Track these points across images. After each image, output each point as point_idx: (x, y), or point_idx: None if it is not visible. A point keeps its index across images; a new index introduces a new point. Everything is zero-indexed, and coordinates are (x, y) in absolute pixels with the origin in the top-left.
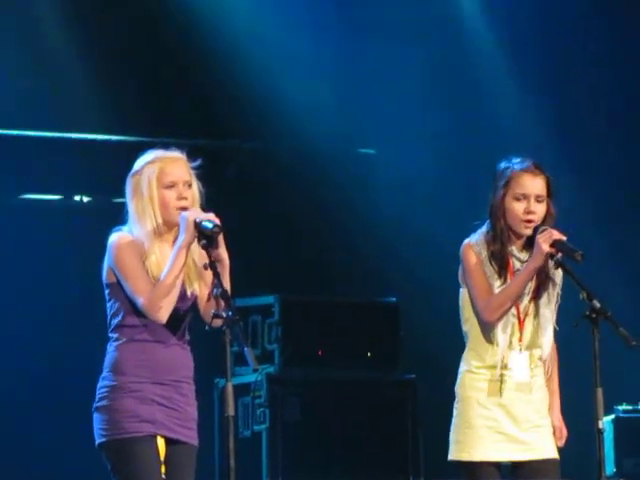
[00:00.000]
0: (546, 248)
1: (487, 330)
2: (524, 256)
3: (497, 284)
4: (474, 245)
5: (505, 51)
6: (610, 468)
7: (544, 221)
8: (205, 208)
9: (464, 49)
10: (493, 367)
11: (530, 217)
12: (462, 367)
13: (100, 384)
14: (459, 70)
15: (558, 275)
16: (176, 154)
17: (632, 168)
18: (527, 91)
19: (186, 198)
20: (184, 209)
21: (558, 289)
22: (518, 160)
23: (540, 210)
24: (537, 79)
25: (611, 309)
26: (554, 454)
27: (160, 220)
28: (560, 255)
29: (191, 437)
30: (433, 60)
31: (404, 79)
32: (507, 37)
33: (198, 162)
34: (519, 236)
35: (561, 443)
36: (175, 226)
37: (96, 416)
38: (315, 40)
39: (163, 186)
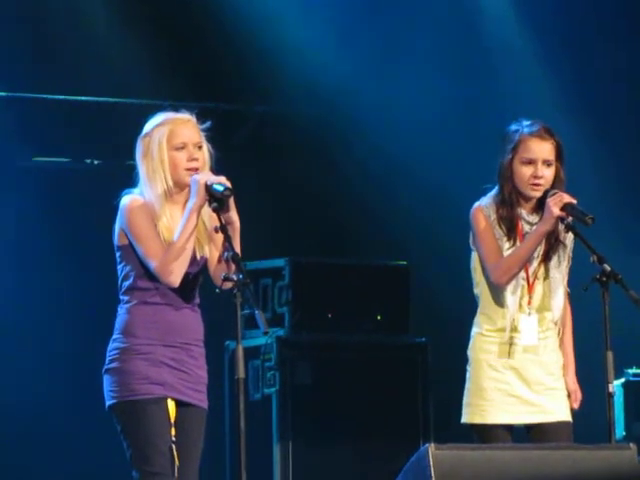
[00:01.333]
0: (556, 211)
1: (497, 293)
2: (533, 219)
3: (506, 247)
4: (484, 208)
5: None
6: (620, 432)
7: (553, 185)
8: (216, 171)
9: (477, 13)
10: (503, 330)
11: (537, 181)
12: (474, 330)
13: (110, 346)
14: (473, 37)
15: (569, 238)
16: (186, 116)
17: None
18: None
19: (197, 159)
20: (194, 170)
21: (569, 252)
22: (528, 123)
23: (548, 174)
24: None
25: (621, 272)
26: (567, 417)
27: (170, 182)
28: (570, 219)
29: (201, 400)
30: (446, 27)
31: (417, 45)
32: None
33: (208, 124)
34: (528, 199)
35: (576, 406)
36: (186, 187)
37: (106, 378)
38: (329, 3)
39: (173, 148)
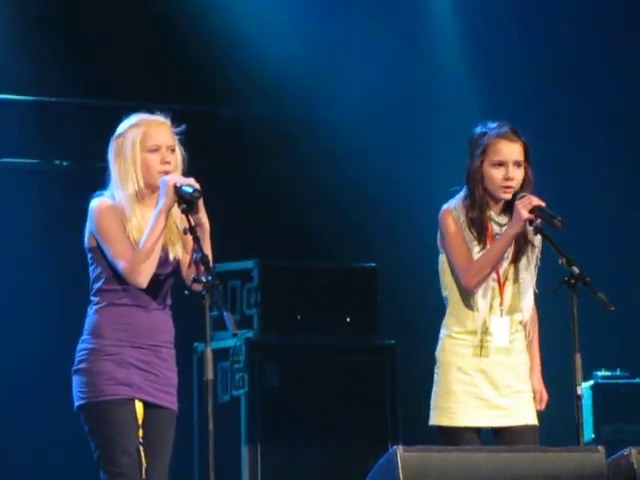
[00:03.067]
0: (525, 214)
1: (467, 295)
2: (503, 220)
3: (477, 250)
4: (452, 210)
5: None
6: (588, 434)
7: (522, 186)
8: (185, 172)
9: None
10: (473, 332)
11: (509, 183)
12: (442, 332)
13: (79, 347)
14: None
15: (537, 239)
16: (160, 118)
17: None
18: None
19: (169, 162)
20: (167, 173)
21: (537, 252)
22: (495, 125)
23: (518, 175)
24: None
25: (590, 275)
26: (533, 420)
27: (142, 183)
28: (539, 221)
29: (170, 402)
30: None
31: (377, 47)
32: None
33: (182, 127)
34: (497, 200)
35: (541, 407)
36: (157, 190)
37: (75, 379)
38: (294, 6)
39: (146, 150)
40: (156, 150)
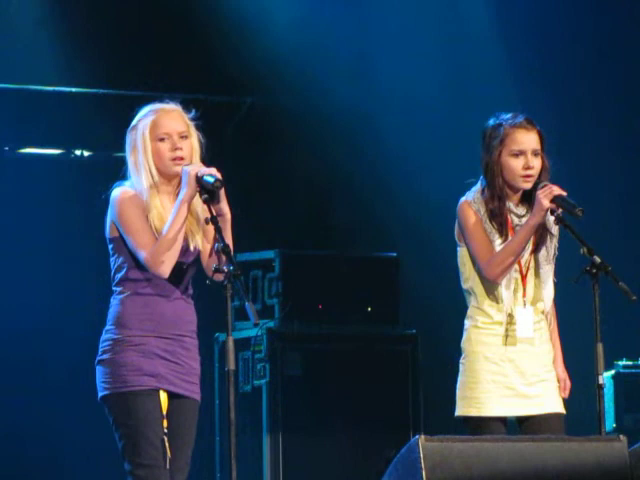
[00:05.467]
0: (547, 204)
1: (491, 287)
2: (521, 211)
3: (498, 241)
4: (472, 203)
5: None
6: (610, 423)
7: (540, 175)
8: (207, 162)
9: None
10: (499, 323)
11: (529, 172)
12: (467, 323)
13: (103, 337)
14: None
15: (555, 228)
16: (170, 106)
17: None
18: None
19: (181, 149)
20: (179, 159)
21: (555, 241)
22: (509, 116)
23: (537, 164)
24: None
25: (612, 264)
26: (559, 408)
27: (156, 173)
28: (560, 211)
29: (194, 391)
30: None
31: (403, 39)
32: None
33: (192, 113)
34: (516, 191)
35: (565, 394)
36: (173, 178)
37: (99, 369)
38: None
39: (156, 138)
40: (166, 138)
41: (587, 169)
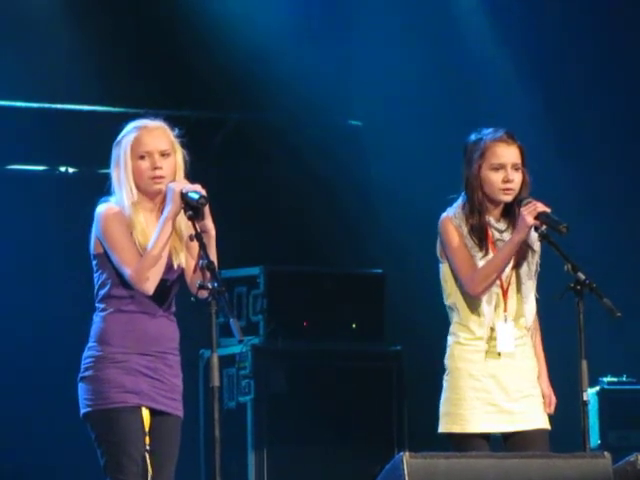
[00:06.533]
0: (530, 221)
1: (472, 303)
2: (502, 226)
3: (479, 256)
4: (453, 218)
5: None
6: (595, 440)
7: (521, 190)
8: (191, 178)
9: (454, 21)
10: (481, 338)
11: (508, 185)
12: (450, 339)
13: (85, 354)
14: (449, 41)
15: (537, 243)
16: (154, 123)
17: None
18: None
19: (160, 168)
20: (159, 179)
21: (537, 257)
22: (490, 131)
23: (517, 178)
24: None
25: (596, 281)
26: (544, 424)
27: (135, 191)
28: (544, 227)
29: (176, 408)
30: (422, 33)
31: (391, 52)
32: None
33: (177, 132)
34: (496, 205)
35: (550, 410)
36: (155, 196)
37: (81, 386)
38: (302, 10)
39: (137, 156)
40: (146, 156)
41: (575, 181)
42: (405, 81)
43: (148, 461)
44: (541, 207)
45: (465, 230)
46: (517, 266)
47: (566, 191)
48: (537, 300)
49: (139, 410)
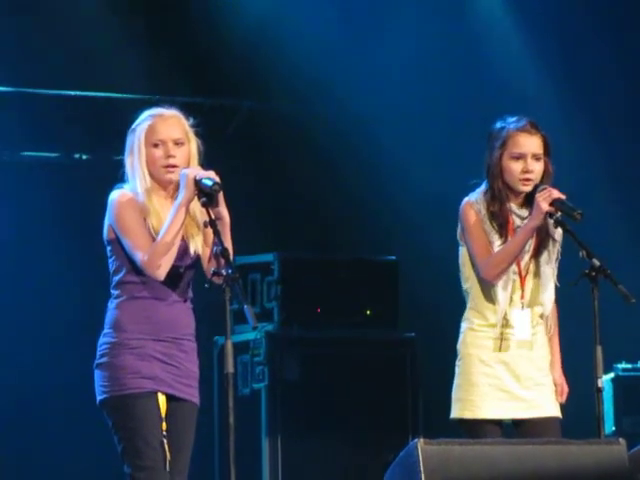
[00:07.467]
0: (545, 207)
1: (488, 288)
2: (524, 213)
3: (498, 243)
4: (474, 203)
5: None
6: (609, 426)
7: (542, 179)
8: (205, 166)
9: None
10: (495, 325)
11: (528, 176)
12: (463, 325)
13: (101, 341)
14: (462, 29)
15: (558, 232)
16: (169, 112)
17: None
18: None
19: (174, 156)
20: (172, 167)
21: (558, 246)
22: (514, 119)
23: (537, 168)
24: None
25: (611, 267)
26: (556, 412)
27: (149, 178)
28: (559, 214)
29: (192, 395)
30: (439, 21)
31: (403, 43)
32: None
33: (191, 121)
34: (517, 193)
35: (562, 399)
36: (167, 185)
37: (97, 373)
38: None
39: (151, 144)
40: (160, 144)
41: (588, 169)
42: (420, 66)
43: (166, 446)
44: (556, 194)
45: (485, 215)
46: (537, 254)
47: (588, 177)
48: (556, 287)
49: (155, 396)
